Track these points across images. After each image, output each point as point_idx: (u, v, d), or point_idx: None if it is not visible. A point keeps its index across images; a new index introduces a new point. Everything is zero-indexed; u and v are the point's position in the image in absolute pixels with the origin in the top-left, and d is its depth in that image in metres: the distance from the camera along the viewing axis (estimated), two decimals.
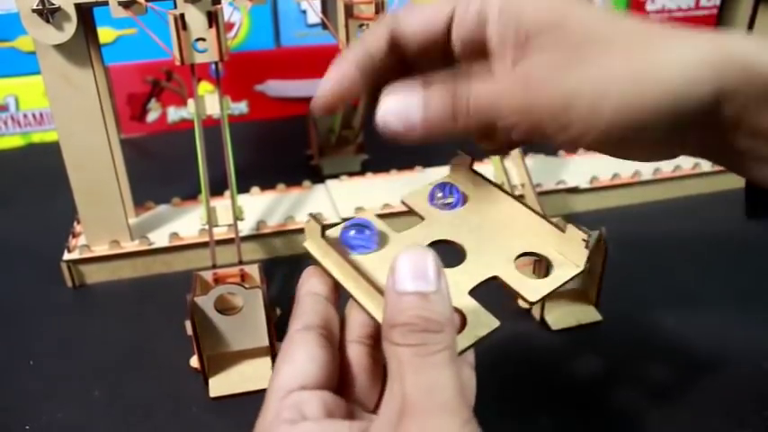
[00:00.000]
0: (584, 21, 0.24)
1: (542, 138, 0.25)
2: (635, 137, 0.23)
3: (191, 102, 0.49)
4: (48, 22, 0.45)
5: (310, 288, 0.28)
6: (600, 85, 0.23)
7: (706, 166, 0.69)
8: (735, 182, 0.71)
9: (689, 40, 0.23)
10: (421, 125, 0.25)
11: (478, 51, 0.26)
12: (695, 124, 0.23)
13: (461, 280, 0.27)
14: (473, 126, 0.25)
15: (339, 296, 0.29)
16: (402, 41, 0.27)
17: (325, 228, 0.28)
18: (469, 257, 0.29)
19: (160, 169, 0.76)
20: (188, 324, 0.46)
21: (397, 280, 0.22)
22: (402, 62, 0.28)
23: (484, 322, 0.25)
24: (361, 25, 0.52)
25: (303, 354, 0.26)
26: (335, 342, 0.28)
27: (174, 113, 0.85)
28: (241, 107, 0.88)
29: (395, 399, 0.21)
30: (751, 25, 0.64)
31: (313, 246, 0.28)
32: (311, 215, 0.28)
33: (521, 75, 0.24)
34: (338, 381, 0.27)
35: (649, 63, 0.22)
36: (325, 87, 0.28)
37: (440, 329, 0.21)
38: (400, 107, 0.25)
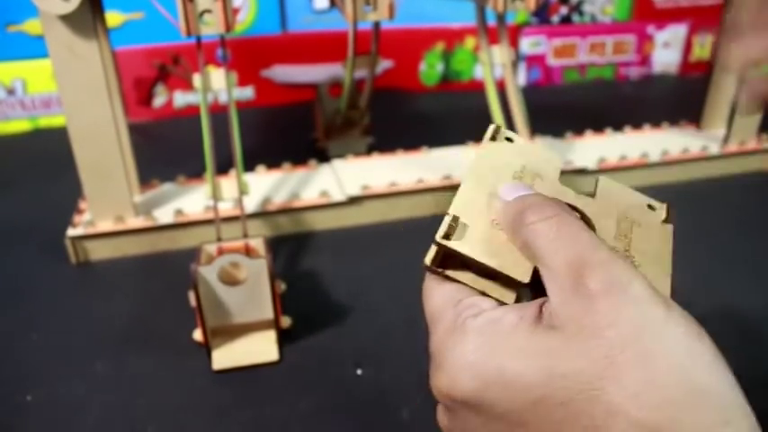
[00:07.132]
0: None
1: None
2: None
3: (197, 76, 0.49)
4: None
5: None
6: None
7: (714, 149, 0.68)
8: (743, 166, 0.70)
9: None
10: None
11: None
12: None
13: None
14: None
15: None
16: None
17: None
18: None
19: (166, 153, 0.75)
20: (192, 295, 0.46)
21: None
22: None
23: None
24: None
25: (447, 282, 0.26)
26: None
27: (180, 98, 0.85)
28: (247, 93, 0.87)
29: (558, 269, 0.23)
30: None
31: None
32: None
33: None
34: None
35: None
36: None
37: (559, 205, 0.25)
38: None
